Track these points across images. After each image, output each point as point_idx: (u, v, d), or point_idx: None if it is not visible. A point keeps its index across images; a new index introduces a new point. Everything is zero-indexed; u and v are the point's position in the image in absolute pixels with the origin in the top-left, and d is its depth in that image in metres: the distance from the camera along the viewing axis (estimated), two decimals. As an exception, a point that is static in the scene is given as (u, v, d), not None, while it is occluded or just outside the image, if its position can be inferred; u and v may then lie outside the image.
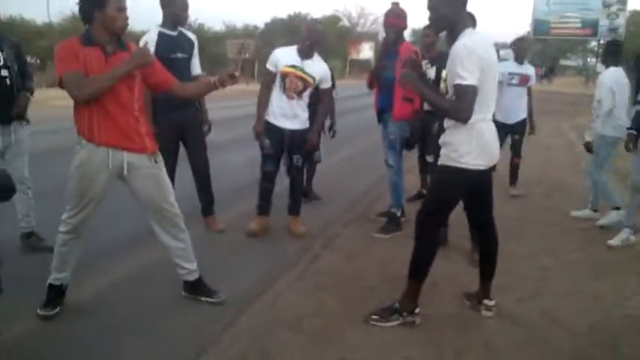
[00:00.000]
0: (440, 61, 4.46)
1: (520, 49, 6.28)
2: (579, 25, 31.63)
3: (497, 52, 3.17)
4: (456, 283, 3.65)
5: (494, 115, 3.10)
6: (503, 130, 5.77)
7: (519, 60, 6.14)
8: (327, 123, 5.59)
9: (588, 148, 5.41)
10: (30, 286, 3.26)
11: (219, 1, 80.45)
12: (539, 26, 32.19)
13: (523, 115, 6.17)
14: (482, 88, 2.82)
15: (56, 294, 3.09)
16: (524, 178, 6.55)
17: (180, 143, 4.51)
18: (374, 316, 3.12)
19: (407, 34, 4.86)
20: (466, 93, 2.77)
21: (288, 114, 4.42)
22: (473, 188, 3.07)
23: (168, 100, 3.86)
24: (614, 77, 5.03)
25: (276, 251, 4.28)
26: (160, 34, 4.20)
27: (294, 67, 4.36)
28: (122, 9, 2.86)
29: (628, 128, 4.62)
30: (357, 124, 10.75)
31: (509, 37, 30.42)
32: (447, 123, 3.00)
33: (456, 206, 3.13)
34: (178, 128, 4.37)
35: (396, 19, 4.54)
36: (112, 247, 4.11)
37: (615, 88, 4.97)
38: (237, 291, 3.45)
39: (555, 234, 4.96)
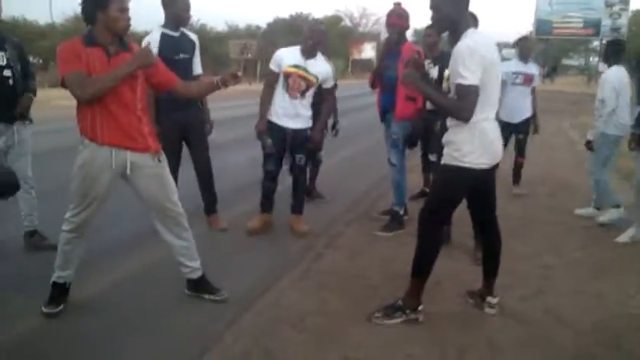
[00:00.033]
0: (442, 60, 4.46)
1: (524, 48, 6.26)
2: (582, 24, 31.57)
3: (500, 51, 3.17)
4: (459, 282, 3.65)
5: (498, 115, 3.10)
6: (508, 129, 5.78)
7: (524, 59, 6.13)
8: (330, 122, 5.60)
9: (589, 146, 5.41)
10: (33, 284, 3.28)
11: (221, 2, 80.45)
12: (542, 26, 32.15)
13: (527, 114, 6.14)
14: (484, 88, 2.82)
15: (60, 292, 3.10)
16: (528, 177, 6.54)
17: (183, 143, 4.52)
18: (377, 314, 3.12)
19: (409, 34, 4.86)
20: (468, 93, 2.77)
21: (291, 113, 4.42)
22: (476, 187, 3.06)
23: (171, 100, 3.87)
24: (617, 76, 5.03)
25: (279, 250, 4.28)
26: (163, 35, 4.20)
27: (297, 66, 4.36)
28: (124, 9, 2.86)
29: (632, 127, 4.63)
30: (359, 123, 10.75)
31: (511, 37, 30.44)
32: (449, 122, 3.01)
33: (459, 205, 3.13)
34: (181, 128, 4.38)
35: (398, 19, 4.54)
36: (116, 245, 4.11)
37: (618, 88, 4.97)
38: (240, 289, 3.45)
39: (559, 233, 4.96)
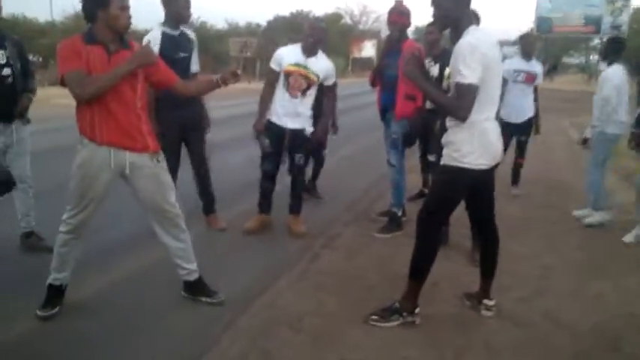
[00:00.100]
0: (443, 58, 4.43)
1: (527, 45, 6.14)
2: (582, 22, 31.49)
3: (500, 49, 3.14)
4: (457, 283, 3.64)
5: (498, 113, 3.07)
6: (509, 129, 5.73)
7: (527, 57, 6.02)
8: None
9: (585, 144, 5.39)
10: (30, 285, 3.28)
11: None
12: (543, 23, 32.05)
13: (530, 114, 6.03)
14: (485, 87, 2.80)
15: (55, 294, 3.09)
16: (526, 177, 6.52)
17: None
18: (374, 316, 3.12)
19: (410, 32, 4.84)
20: (466, 91, 2.76)
21: (291, 113, 4.41)
22: (475, 187, 3.05)
23: (171, 99, 3.85)
24: (618, 75, 5.01)
25: (277, 250, 4.27)
26: (163, 34, 4.17)
27: (297, 65, 4.35)
28: (125, 7, 2.85)
29: (633, 126, 4.63)
30: (359, 122, 10.74)
31: (512, 35, 30.39)
32: (449, 122, 2.99)
33: (457, 206, 3.12)
34: (181, 127, 4.36)
35: (399, 16, 4.52)
36: (113, 247, 4.10)
37: (620, 86, 4.96)
38: (237, 290, 3.45)
39: (557, 233, 4.95)
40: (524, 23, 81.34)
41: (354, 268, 3.94)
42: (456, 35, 2.89)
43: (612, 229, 5.02)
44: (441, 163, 3.04)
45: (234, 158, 7.18)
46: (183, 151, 4.52)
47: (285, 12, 50.48)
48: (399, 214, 4.79)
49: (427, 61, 4.53)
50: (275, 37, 31.54)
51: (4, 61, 3.68)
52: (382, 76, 4.67)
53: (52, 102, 12.38)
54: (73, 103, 2.90)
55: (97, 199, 2.96)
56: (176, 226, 3.16)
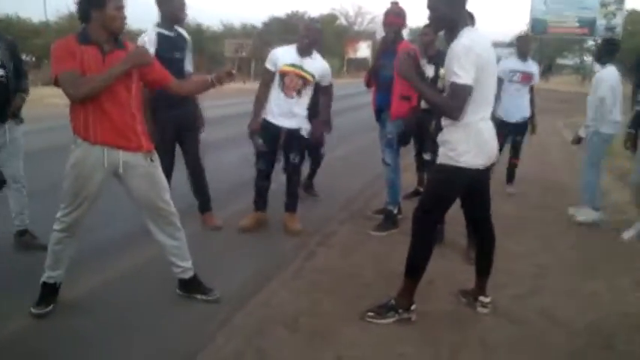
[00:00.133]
0: (438, 59, 4.45)
1: (523, 45, 6.20)
2: (577, 24, 31.63)
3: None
4: (452, 281, 3.64)
5: (494, 112, 3.08)
6: (506, 128, 5.76)
7: (523, 57, 6.06)
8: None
9: (577, 141, 5.40)
10: (24, 283, 3.26)
11: (216, 0, 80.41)
12: (537, 25, 32.15)
13: (526, 114, 6.06)
14: (480, 87, 2.81)
15: (49, 292, 3.07)
16: (522, 177, 6.54)
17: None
18: (370, 314, 3.11)
19: (404, 33, 4.85)
20: (461, 92, 2.77)
21: (287, 113, 4.41)
22: (471, 186, 3.06)
23: (166, 99, 3.85)
24: (613, 75, 5.04)
25: (272, 248, 4.27)
26: (159, 35, 4.16)
27: (293, 65, 4.35)
28: (121, 8, 2.85)
29: (628, 126, 4.66)
30: (354, 122, 10.75)
31: (507, 37, 30.46)
32: (444, 121, 3.00)
33: (453, 204, 3.12)
34: (176, 127, 4.35)
35: (395, 17, 4.53)
36: (107, 245, 4.08)
37: (615, 86, 5.00)
38: (232, 288, 3.44)
39: (552, 232, 4.96)
40: (519, 25, 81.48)
41: (350, 266, 3.93)
42: (451, 36, 2.90)
43: (606, 229, 5.04)
44: (437, 162, 3.04)
45: (229, 158, 7.17)
46: (178, 150, 4.51)
47: (281, 13, 50.52)
48: (395, 211, 4.80)
49: (422, 62, 4.54)
50: (270, 38, 31.52)
51: None
52: (377, 76, 4.68)
53: (45, 101, 12.33)
54: (66, 102, 2.89)
55: (90, 197, 2.95)
56: (171, 225, 3.15)
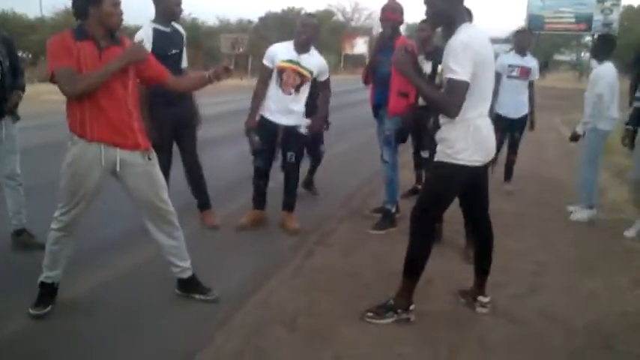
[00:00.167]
0: (436, 55, 4.43)
1: (521, 40, 6.18)
2: (573, 20, 31.66)
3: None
4: (451, 280, 3.64)
5: (492, 108, 3.07)
6: (505, 123, 5.75)
7: (521, 52, 6.04)
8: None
9: (575, 138, 5.41)
10: (22, 283, 3.24)
11: (212, -5, 79.88)
12: (534, 21, 32.15)
13: (525, 110, 6.03)
14: (478, 83, 2.80)
15: (48, 292, 3.05)
16: (520, 174, 6.53)
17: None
18: (369, 313, 3.11)
19: (402, 29, 4.84)
20: (458, 88, 2.76)
21: (284, 109, 4.39)
22: (469, 184, 3.05)
23: (163, 96, 3.83)
24: (610, 72, 5.03)
25: (270, 247, 4.25)
26: (155, 31, 4.13)
27: (290, 61, 4.33)
28: (117, 4, 2.83)
29: (627, 123, 4.65)
30: (351, 119, 10.71)
31: (504, 33, 30.45)
32: (442, 119, 2.99)
33: (451, 203, 3.11)
34: (174, 124, 4.33)
35: (392, 13, 4.51)
36: (106, 245, 4.06)
37: (612, 83, 4.99)
38: (230, 288, 3.43)
39: (551, 230, 4.96)
40: (516, 21, 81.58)
41: (349, 265, 3.93)
42: (449, 32, 2.89)
43: (604, 227, 5.04)
44: (435, 159, 3.03)
45: (227, 155, 7.16)
46: (175, 148, 4.49)
47: (277, 9, 50.41)
48: (393, 210, 4.79)
49: (420, 59, 4.53)
50: (266, 33, 31.47)
51: None
52: (375, 73, 4.66)
53: (41, 98, 12.26)
54: (63, 99, 2.87)
55: (88, 196, 2.93)
56: (169, 224, 3.13)
